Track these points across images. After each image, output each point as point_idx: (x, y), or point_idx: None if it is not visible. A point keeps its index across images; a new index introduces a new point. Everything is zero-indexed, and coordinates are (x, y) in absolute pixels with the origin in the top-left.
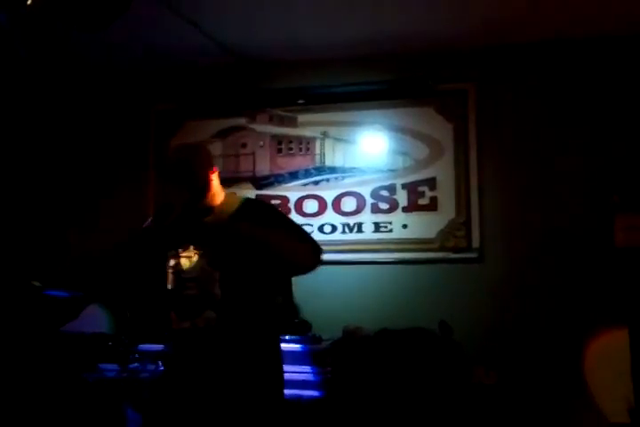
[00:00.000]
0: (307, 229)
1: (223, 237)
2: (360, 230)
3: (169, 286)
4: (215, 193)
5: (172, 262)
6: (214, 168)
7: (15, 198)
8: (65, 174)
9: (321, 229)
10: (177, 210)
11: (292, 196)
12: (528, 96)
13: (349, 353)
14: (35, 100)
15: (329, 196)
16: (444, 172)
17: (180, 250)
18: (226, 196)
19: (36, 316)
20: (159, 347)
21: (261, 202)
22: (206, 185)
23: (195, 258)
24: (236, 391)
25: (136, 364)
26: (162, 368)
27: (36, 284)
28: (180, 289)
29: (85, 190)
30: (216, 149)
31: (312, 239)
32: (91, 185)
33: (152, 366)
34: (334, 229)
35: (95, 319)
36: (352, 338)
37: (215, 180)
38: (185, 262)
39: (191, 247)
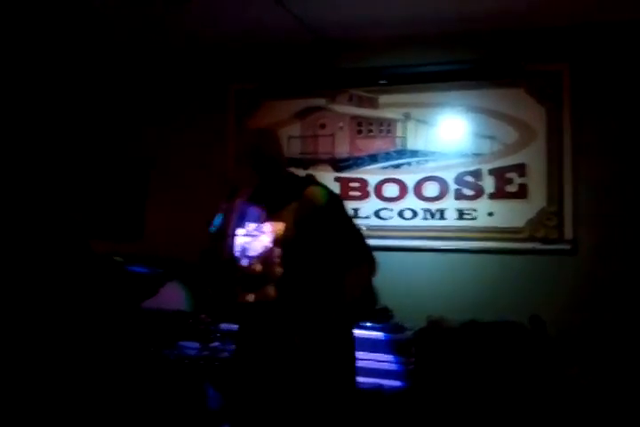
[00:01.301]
0: (386, 213)
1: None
2: (442, 217)
3: (237, 263)
4: (285, 176)
5: (241, 240)
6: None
7: (98, 172)
8: (147, 153)
9: (401, 214)
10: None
11: (372, 179)
12: (626, 78)
13: (435, 344)
14: (115, 73)
15: (410, 180)
16: (534, 157)
17: (248, 229)
18: (310, 185)
19: (119, 291)
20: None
21: (339, 202)
22: (276, 169)
23: (262, 237)
24: (296, 369)
25: (217, 343)
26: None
27: (118, 259)
28: (247, 266)
29: (164, 169)
30: (294, 129)
31: (371, 255)
32: (168, 163)
33: (233, 346)
34: (415, 214)
35: (175, 296)
36: (437, 328)
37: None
38: (253, 241)
39: (261, 225)
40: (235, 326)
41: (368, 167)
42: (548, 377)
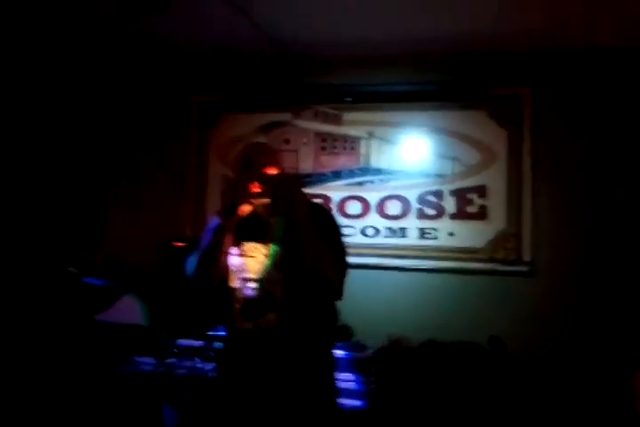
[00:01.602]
0: (349, 230)
1: (288, 235)
2: (404, 235)
3: (232, 285)
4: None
5: (236, 261)
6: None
7: (55, 181)
8: (106, 161)
9: (363, 231)
10: (241, 207)
11: (335, 196)
12: (585, 104)
13: (395, 363)
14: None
15: (373, 198)
16: (495, 179)
17: (245, 249)
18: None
19: (72, 303)
20: (198, 343)
21: (325, 210)
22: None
23: (260, 259)
24: (291, 394)
25: (173, 359)
26: (215, 365)
27: (73, 270)
28: (242, 288)
29: (125, 178)
30: None
31: (343, 271)
32: (131, 173)
33: (189, 362)
34: (377, 232)
35: (130, 310)
36: (397, 347)
37: None
38: (250, 262)
39: (257, 246)
40: (195, 343)
41: (331, 184)
42: (506, 397)
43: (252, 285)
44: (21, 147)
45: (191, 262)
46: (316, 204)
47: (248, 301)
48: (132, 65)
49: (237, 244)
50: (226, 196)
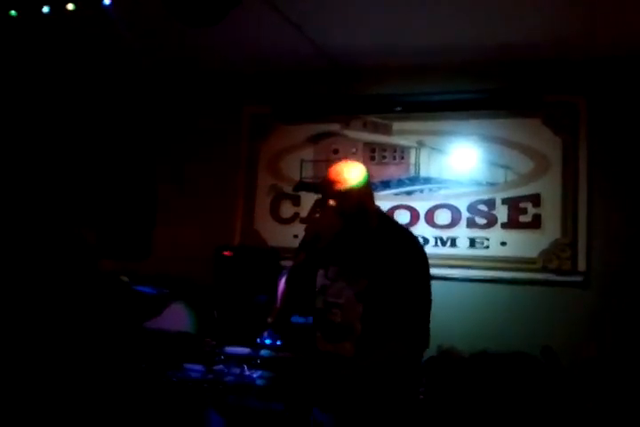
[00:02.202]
0: None
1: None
2: (454, 245)
3: (317, 306)
4: (371, 216)
5: (321, 281)
6: (371, 191)
7: (107, 191)
8: (157, 170)
9: None
10: (324, 239)
11: (384, 205)
12: None
13: (446, 374)
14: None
15: (422, 207)
16: (549, 188)
17: (330, 273)
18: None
19: (123, 310)
20: (245, 351)
21: (424, 263)
22: (362, 210)
23: (342, 285)
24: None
25: (221, 366)
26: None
27: (124, 278)
28: (326, 312)
29: (174, 190)
30: (308, 153)
31: (423, 333)
32: (180, 185)
33: (237, 370)
34: (426, 241)
35: (179, 318)
36: (448, 358)
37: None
38: (334, 286)
39: (343, 271)
40: (242, 351)
41: (380, 193)
42: (561, 410)
43: (335, 311)
44: (74, 160)
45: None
46: (399, 233)
47: (330, 325)
48: (184, 77)
49: (324, 267)
50: (309, 227)
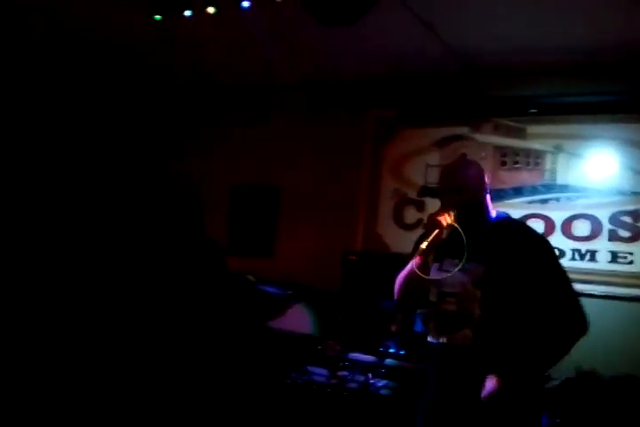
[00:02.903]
0: None
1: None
2: (593, 259)
3: (432, 299)
4: (487, 211)
5: (435, 276)
6: (487, 187)
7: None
8: (278, 171)
9: None
10: (442, 231)
11: (515, 214)
12: None
13: (585, 397)
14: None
15: (558, 217)
16: None
17: (445, 265)
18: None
19: (249, 309)
20: (370, 358)
21: (547, 246)
22: (479, 203)
23: (459, 275)
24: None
25: (346, 371)
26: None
27: (251, 278)
28: (440, 303)
29: (296, 191)
30: (433, 158)
31: (580, 312)
32: (301, 187)
33: (361, 377)
34: (562, 254)
35: (301, 319)
36: (588, 380)
37: (488, 199)
38: (449, 278)
39: (457, 262)
40: (366, 358)
41: (511, 201)
42: None
43: (451, 299)
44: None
45: (397, 285)
46: (525, 229)
47: (445, 315)
48: (312, 81)
49: (438, 260)
50: (428, 222)
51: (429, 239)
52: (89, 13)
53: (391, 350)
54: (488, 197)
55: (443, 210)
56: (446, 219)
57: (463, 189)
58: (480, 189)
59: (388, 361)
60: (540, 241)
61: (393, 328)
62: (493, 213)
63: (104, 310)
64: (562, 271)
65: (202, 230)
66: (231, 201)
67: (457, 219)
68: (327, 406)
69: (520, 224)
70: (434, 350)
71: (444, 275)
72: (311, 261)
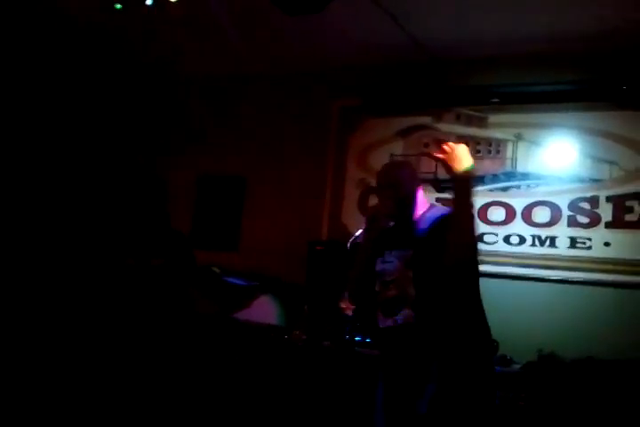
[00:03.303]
0: (490, 238)
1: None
2: (553, 245)
3: (377, 289)
4: (419, 206)
5: (379, 268)
6: (419, 184)
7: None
8: (243, 163)
9: (507, 239)
10: (382, 219)
11: (477, 202)
12: None
13: (548, 380)
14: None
15: (519, 204)
16: None
17: (385, 256)
18: (430, 207)
19: (215, 301)
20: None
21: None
22: (410, 198)
23: (394, 263)
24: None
25: None
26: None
27: (216, 270)
28: (383, 290)
29: (261, 182)
30: (397, 148)
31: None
32: (266, 178)
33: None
34: (522, 240)
35: (267, 310)
36: (549, 364)
37: (420, 195)
38: (389, 267)
39: (396, 252)
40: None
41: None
42: None
43: (392, 286)
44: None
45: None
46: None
47: (388, 300)
48: (273, 70)
49: (380, 253)
50: (370, 212)
51: (368, 229)
52: None
53: (357, 339)
54: (420, 192)
55: (379, 204)
56: (382, 211)
57: (396, 186)
58: (411, 186)
59: (355, 349)
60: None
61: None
62: (425, 207)
63: (74, 298)
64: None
65: (167, 223)
66: (198, 192)
67: (392, 211)
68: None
69: (444, 213)
70: (382, 334)
71: (386, 266)
72: (277, 252)
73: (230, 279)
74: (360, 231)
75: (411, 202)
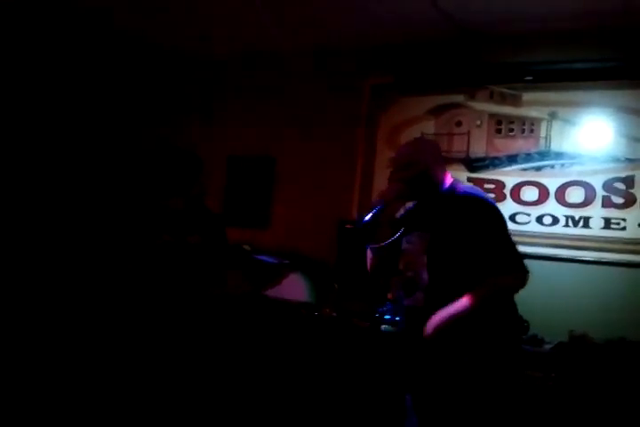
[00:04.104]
0: (523, 218)
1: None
2: (586, 225)
3: (400, 267)
4: (442, 185)
5: (403, 246)
6: (441, 162)
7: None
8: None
9: (539, 219)
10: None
11: (509, 181)
12: None
13: (579, 361)
14: None
15: (552, 184)
16: None
17: (407, 238)
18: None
19: (246, 277)
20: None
21: (484, 203)
22: (427, 176)
23: (417, 244)
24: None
25: None
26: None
27: (247, 247)
28: (405, 271)
29: (292, 165)
30: (428, 126)
31: (520, 263)
32: (297, 157)
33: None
34: (555, 221)
35: (297, 288)
36: (581, 344)
37: (441, 172)
38: (410, 248)
39: (417, 234)
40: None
41: (505, 169)
42: None
43: (411, 267)
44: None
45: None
46: (476, 198)
47: (407, 281)
48: (304, 49)
49: (407, 233)
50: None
51: (374, 212)
52: None
53: (386, 317)
54: (442, 170)
55: (390, 185)
56: (390, 193)
57: (411, 166)
58: (430, 165)
59: (383, 327)
60: (484, 207)
61: (389, 295)
62: (447, 185)
63: (100, 282)
64: (502, 234)
65: (202, 201)
66: (228, 172)
67: (405, 193)
68: None
69: (469, 193)
70: (403, 311)
71: (409, 247)
72: (307, 230)
73: (261, 257)
74: (369, 216)
75: (429, 181)
